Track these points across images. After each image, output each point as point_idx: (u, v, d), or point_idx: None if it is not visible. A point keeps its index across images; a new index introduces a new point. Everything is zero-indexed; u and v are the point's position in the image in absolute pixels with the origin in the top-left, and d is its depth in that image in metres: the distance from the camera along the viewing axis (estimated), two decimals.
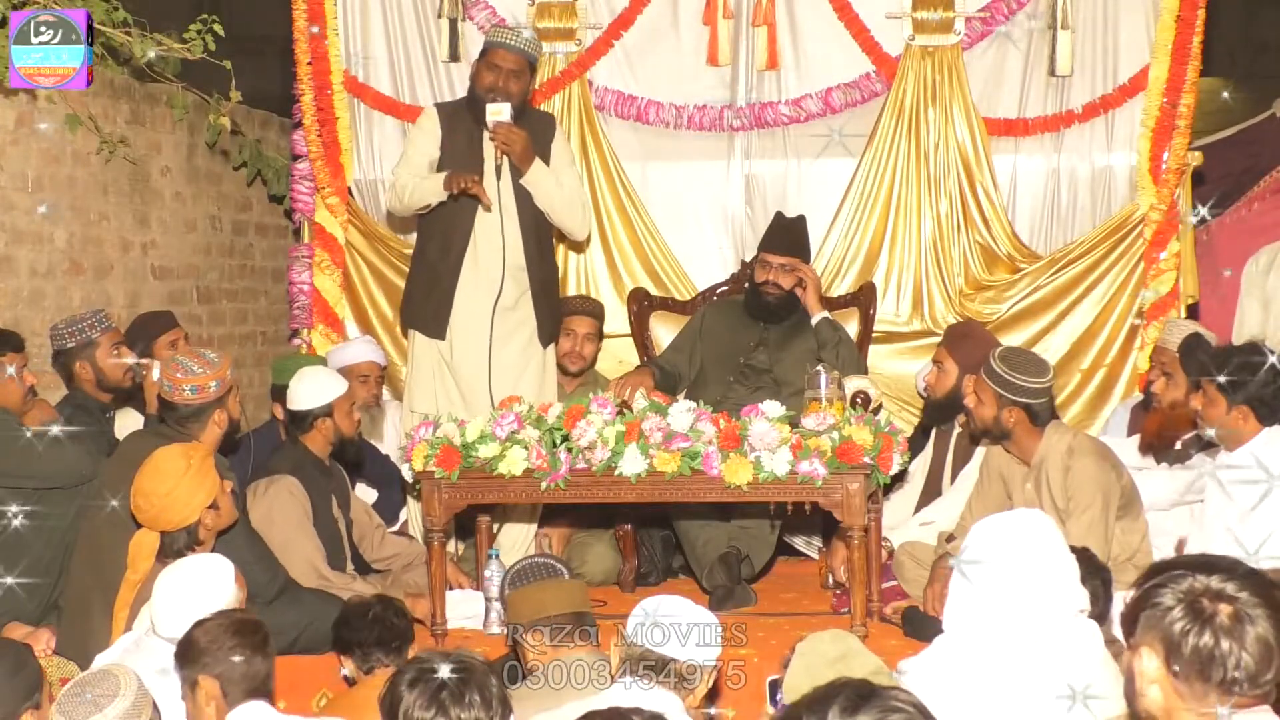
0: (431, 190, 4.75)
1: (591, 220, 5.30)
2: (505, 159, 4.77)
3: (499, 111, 4.71)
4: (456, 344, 4.86)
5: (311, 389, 4.55)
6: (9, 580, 4.09)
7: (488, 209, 4.75)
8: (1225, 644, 1.80)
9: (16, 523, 4.12)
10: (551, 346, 5.03)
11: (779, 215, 5.36)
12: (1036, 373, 4.14)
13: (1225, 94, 5.85)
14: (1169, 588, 1.85)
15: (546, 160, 4.86)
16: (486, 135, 4.78)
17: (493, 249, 4.80)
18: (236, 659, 2.87)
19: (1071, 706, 2.46)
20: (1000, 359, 4.17)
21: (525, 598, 3.39)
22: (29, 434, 4.17)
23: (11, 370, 4.30)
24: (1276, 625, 1.81)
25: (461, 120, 4.88)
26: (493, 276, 4.81)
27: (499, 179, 4.79)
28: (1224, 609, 1.81)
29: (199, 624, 2.95)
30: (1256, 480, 3.82)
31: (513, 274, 4.83)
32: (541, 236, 4.95)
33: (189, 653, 2.91)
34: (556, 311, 5.09)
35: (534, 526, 4.95)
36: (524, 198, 4.83)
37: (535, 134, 4.83)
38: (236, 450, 4.69)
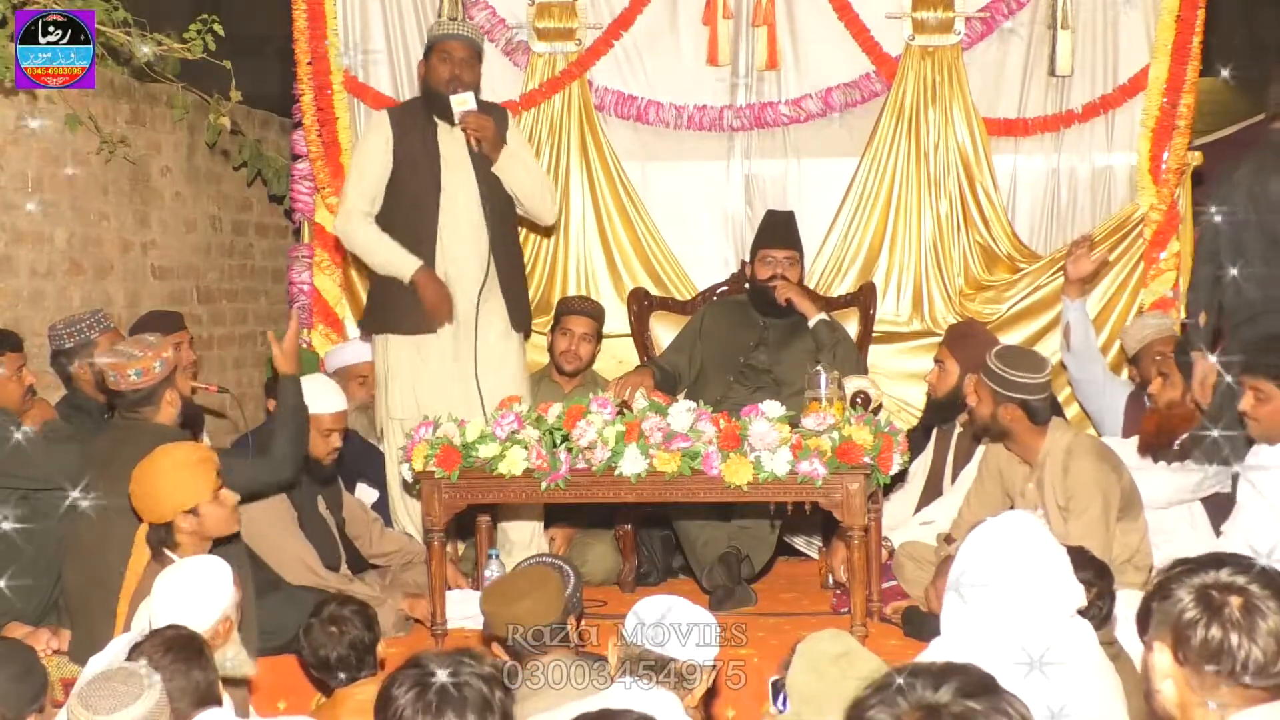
0: (394, 270, 4.72)
1: (558, 207, 5.25)
2: (478, 147, 4.75)
3: (464, 101, 4.70)
4: (440, 337, 4.81)
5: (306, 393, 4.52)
6: (7, 580, 4.10)
7: (446, 322, 4.73)
8: (1235, 636, 1.81)
9: (15, 523, 4.12)
10: (522, 337, 4.99)
11: (772, 212, 5.38)
12: (1031, 369, 4.14)
13: (1225, 74, 5.78)
14: (1183, 581, 1.86)
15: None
16: (445, 130, 4.76)
17: (466, 240, 4.75)
18: (174, 676, 2.84)
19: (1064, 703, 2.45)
20: (996, 356, 4.17)
21: (489, 611, 3.39)
22: (28, 434, 4.16)
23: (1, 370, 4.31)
24: None
25: (415, 121, 4.83)
26: (472, 267, 4.76)
27: (475, 167, 4.76)
28: (1235, 600, 1.82)
29: (134, 649, 2.92)
30: None
31: (485, 263, 4.78)
32: (507, 225, 4.92)
33: None
34: (525, 299, 5.05)
35: (539, 524, 4.92)
36: (492, 186, 4.80)
37: (496, 125, 4.81)
38: (190, 426, 4.62)
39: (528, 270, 5.65)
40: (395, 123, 4.84)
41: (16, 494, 4.13)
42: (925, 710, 1.68)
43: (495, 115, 4.87)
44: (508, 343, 4.88)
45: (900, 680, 1.71)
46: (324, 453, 4.45)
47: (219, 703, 2.95)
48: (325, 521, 4.51)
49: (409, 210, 4.79)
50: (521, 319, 4.94)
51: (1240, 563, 1.88)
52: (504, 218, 4.88)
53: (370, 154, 4.83)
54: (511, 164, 4.81)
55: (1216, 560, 1.89)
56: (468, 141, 4.74)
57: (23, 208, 5.26)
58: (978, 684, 1.71)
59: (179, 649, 2.90)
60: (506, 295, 4.85)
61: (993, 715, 1.68)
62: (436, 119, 4.80)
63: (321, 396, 4.45)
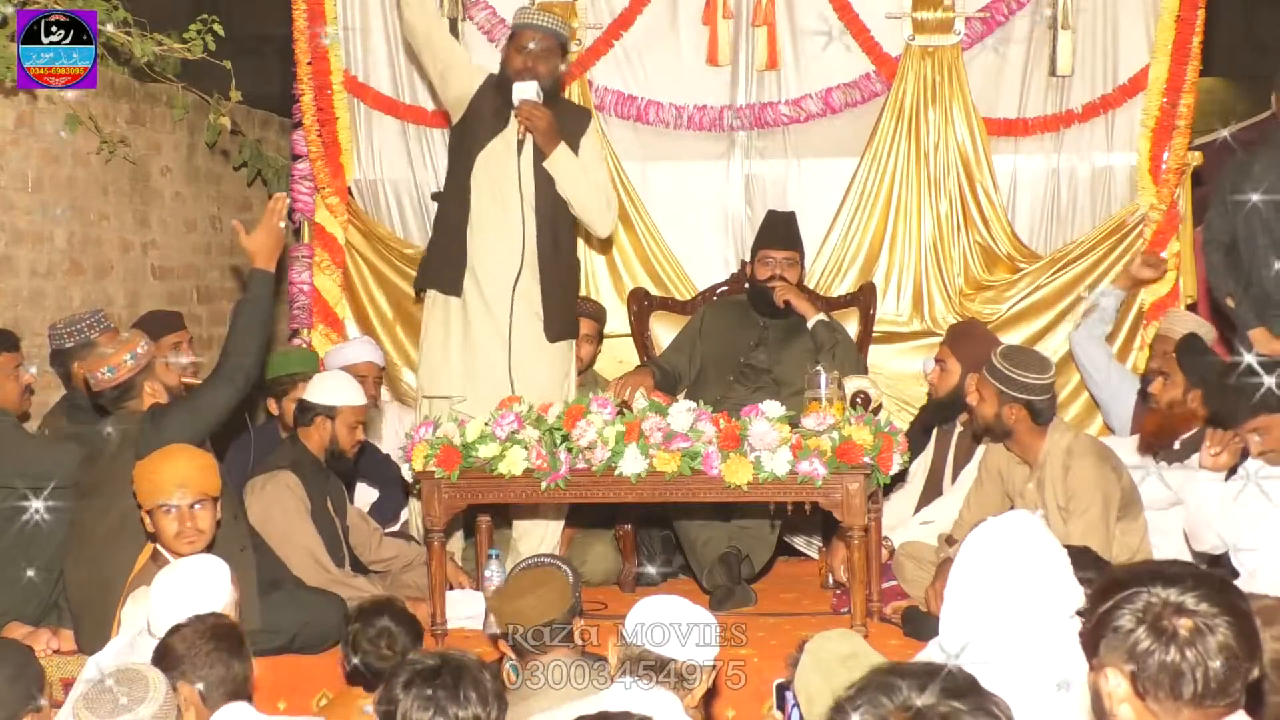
0: None
1: (615, 219, 5.13)
2: (529, 138, 4.72)
3: (525, 90, 4.66)
4: (473, 318, 4.76)
5: (326, 386, 4.57)
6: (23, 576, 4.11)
7: None
8: (1190, 658, 1.80)
9: (15, 523, 4.13)
10: (570, 344, 4.91)
11: (773, 212, 5.37)
12: (1038, 370, 4.15)
13: (1224, 133, 5.86)
14: (1126, 608, 1.85)
15: (575, 152, 4.78)
16: (513, 114, 4.73)
17: (511, 229, 4.71)
18: (214, 664, 2.85)
19: (1064, 700, 2.46)
20: (1002, 356, 4.17)
21: (493, 607, 3.38)
22: (27, 433, 4.17)
23: (34, 370, 4.33)
24: (1238, 631, 1.81)
25: (495, 95, 4.80)
26: (512, 254, 4.70)
27: (519, 154, 4.73)
28: (1184, 623, 1.81)
29: (174, 630, 2.93)
30: None
31: (528, 259, 4.73)
32: (559, 229, 4.82)
33: (167, 660, 2.87)
34: (569, 309, 4.94)
35: (560, 524, 4.88)
36: (545, 184, 4.74)
37: (566, 124, 4.76)
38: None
39: None
40: (486, 85, 4.82)
41: (19, 493, 4.13)
42: (910, 711, 1.68)
43: (570, 119, 4.85)
44: (548, 350, 4.78)
45: (884, 680, 1.71)
46: (349, 445, 4.55)
47: (250, 697, 2.95)
48: (332, 520, 4.52)
49: (459, 176, 4.79)
50: (557, 329, 4.80)
51: (1178, 576, 1.87)
52: (556, 221, 4.80)
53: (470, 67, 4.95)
54: (567, 166, 4.74)
55: (1157, 576, 1.88)
56: (520, 128, 4.72)
57: (23, 208, 5.26)
58: (962, 685, 1.71)
59: (220, 638, 2.90)
60: (546, 299, 4.76)
61: (978, 715, 1.68)
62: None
63: (346, 391, 4.57)
